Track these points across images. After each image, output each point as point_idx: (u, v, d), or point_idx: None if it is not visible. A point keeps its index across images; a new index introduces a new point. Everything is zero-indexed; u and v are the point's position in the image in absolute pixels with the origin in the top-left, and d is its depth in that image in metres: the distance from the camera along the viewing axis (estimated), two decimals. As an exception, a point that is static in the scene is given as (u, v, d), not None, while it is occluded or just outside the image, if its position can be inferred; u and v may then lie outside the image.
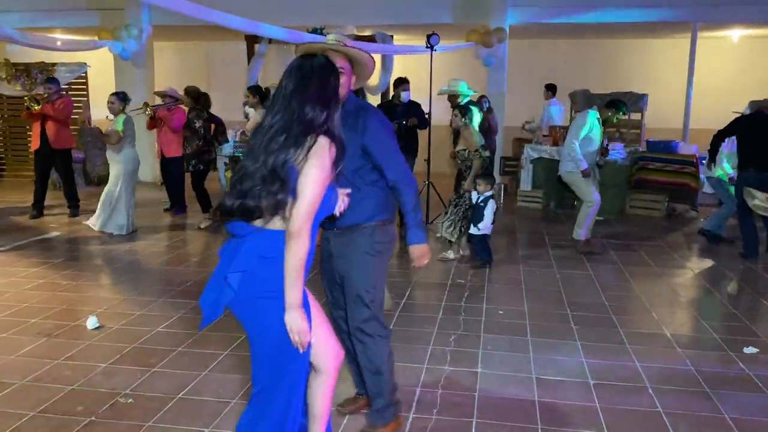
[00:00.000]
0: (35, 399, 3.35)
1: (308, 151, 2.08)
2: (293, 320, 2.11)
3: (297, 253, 2.08)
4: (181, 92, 7.86)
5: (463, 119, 6.24)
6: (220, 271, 2.22)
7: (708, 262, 6.49)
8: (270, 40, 10.09)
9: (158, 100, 8.35)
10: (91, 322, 4.39)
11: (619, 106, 6.54)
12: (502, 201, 9.86)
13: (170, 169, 8.19)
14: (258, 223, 2.15)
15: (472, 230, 6.07)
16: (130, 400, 3.36)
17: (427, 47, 8.07)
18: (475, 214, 6.06)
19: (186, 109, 7.73)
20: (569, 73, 12.49)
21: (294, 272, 2.08)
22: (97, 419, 3.15)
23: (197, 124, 7.52)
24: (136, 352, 3.99)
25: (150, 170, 11.18)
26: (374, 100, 10.64)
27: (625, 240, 7.30)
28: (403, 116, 7.57)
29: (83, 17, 11.65)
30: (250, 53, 10.82)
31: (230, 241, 2.23)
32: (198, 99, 7.61)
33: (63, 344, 4.09)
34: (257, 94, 7.44)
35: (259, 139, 2.15)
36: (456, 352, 4.04)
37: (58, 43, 9.51)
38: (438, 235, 6.50)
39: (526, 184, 9.62)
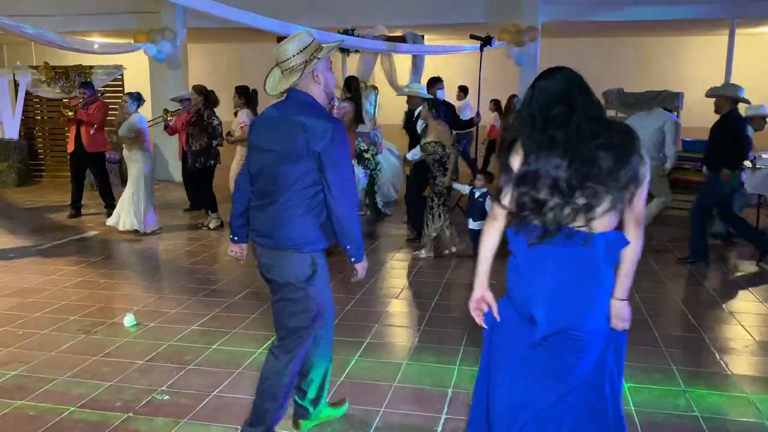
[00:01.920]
0: (75, 394, 3.43)
1: None
2: (625, 309, 2.17)
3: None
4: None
5: (431, 110, 6.27)
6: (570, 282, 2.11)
7: (747, 265, 6.34)
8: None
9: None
10: (128, 320, 4.48)
11: None
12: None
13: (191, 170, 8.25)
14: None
15: (473, 225, 6.11)
16: (166, 397, 3.42)
17: (481, 47, 7.99)
18: (474, 209, 6.14)
19: (199, 106, 7.67)
20: (602, 71, 12.31)
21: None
22: (135, 415, 3.22)
23: (211, 122, 7.49)
24: (171, 349, 4.06)
25: (176, 171, 11.33)
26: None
27: (661, 240, 7.17)
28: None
29: (120, 20, 11.89)
30: (282, 55, 10.90)
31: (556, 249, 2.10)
32: (208, 96, 7.62)
33: (101, 341, 4.19)
34: (242, 94, 7.42)
35: None
36: (488, 353, 4.01)
37: (95, 46, 9.74)
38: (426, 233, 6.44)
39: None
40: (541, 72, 2.23)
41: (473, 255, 6.09)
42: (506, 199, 2.18)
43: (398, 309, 4.90)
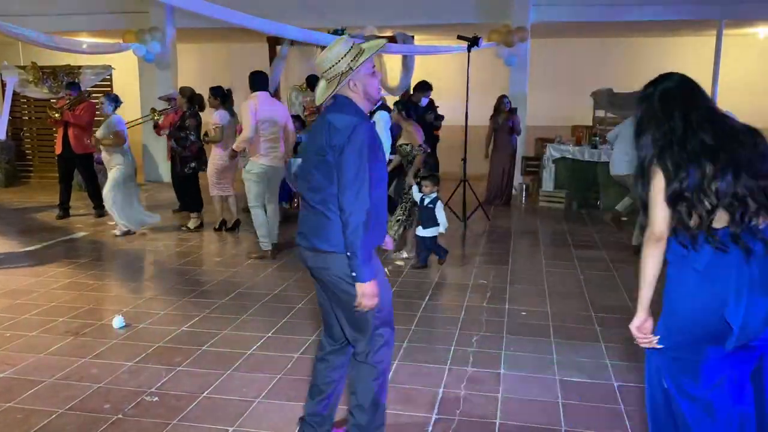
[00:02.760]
0: (63, 396, 3.41)
1: None
2: None
3: None
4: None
5: (401, 113, 6.24)
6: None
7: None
8: (292, 42, 10.14)
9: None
10: (117, 322, 4.46)
11: None
12: (524, 201, 9.82)
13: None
14: None
15: (426, 233, 5.91)
16: (156, 398, 3.40)
17: (469, 48, 8.00)
18: (424, 216, 5.93)
19: (184, 109, 7.63)
20: (592, 72, 12.39)
21: None
22: (124, 417, 3.20)
23: (191, 125, 7.44)
24: (161, 351, 4.04)
25: (165, 172, 11.28)
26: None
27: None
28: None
29: (108, 20, 11.81)
30: (272, 55, 10.88)
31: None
32: (192, 99, 7.58)
33: (90, 343, 4.16)
34: (217, 95, 7.40)
35: None
36: (478, 353, 4.03)
37: (84, 46, 9.65)
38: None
39: (548, 184, 9.55)
40: (653, 81, 2.25)
41: (419, 265, 6.04)
42: (665, 222, 2.13)
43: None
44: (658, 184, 2.11)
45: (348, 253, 2.48)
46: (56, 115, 8.12)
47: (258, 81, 6.32)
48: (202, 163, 7.60)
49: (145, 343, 4.16)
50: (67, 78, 10.44)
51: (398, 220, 6.27)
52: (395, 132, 6.52)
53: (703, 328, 2.16)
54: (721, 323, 2.10)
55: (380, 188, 2.62)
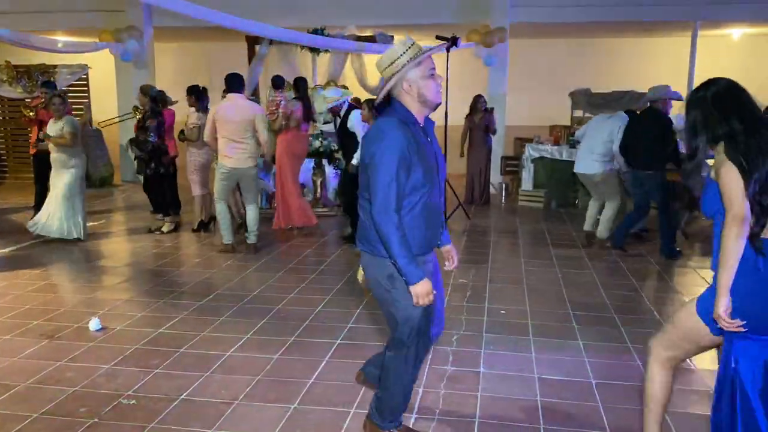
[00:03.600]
0: (38, 401, 3.35)
1: None
2: None
3: None
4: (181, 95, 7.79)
5: (371, 111, 6.24)
6: None
7: (707, 261, 6.48)
8: (271, 41, 10.09)
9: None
10: (94, 324, 4.40)
11: None
12: (503, 201, 9.87)
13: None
14: None
15: None
16: (133, 401, 3.36)
17: (448, 48, 8.00)
18: None
19: (146, 109, 7.48)
20: (570, 72, 12.49)
21: None
22: (100, 421, 3.16)
23: (155, 125, 7.27)
24: (138, 353, 4.00)
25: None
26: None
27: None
28: None
29: (84, 19, 11.66)
30: (251, 54, 10.81)
31: None
32: (156, 99, 7.46)
33: (65, 346, 4.10)
34: (193, 94, 7.34)
35: None
36: (458, 352, 4.04)
37: (59, 44, 9.53)
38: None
39: (527, 183, 9.62)
40: (703, 84, 2.40)
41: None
42: (746, 205, 2.20)
43: (369, 309, 4.90)
44: (732, 172, 2.20)
45: (392, 261, 2.55)
46: (31, 113, 7.99)
47: (233, 82, 6.37)
48: (162, 164, 7.38)
49: (122, 345, 4.11)
50: (42, 77, 10.29)
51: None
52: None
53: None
54: None
55: (418, 194, 2.56)
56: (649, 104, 6.41)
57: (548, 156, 9.38)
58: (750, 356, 2.29)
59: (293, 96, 7.70)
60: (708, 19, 10.85)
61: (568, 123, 11.25)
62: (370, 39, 10.41)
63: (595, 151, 6.60)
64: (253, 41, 10.59)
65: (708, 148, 2.32)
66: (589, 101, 10.12)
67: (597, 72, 12.56)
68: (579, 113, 11.22)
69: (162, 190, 7.53)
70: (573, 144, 9.25)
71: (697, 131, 2.35)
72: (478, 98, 9.46)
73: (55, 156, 6.91)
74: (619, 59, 13.09)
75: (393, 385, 2.82)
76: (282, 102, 7.93)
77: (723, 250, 2.23)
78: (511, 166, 10.71)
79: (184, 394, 3.44)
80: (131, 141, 7.55)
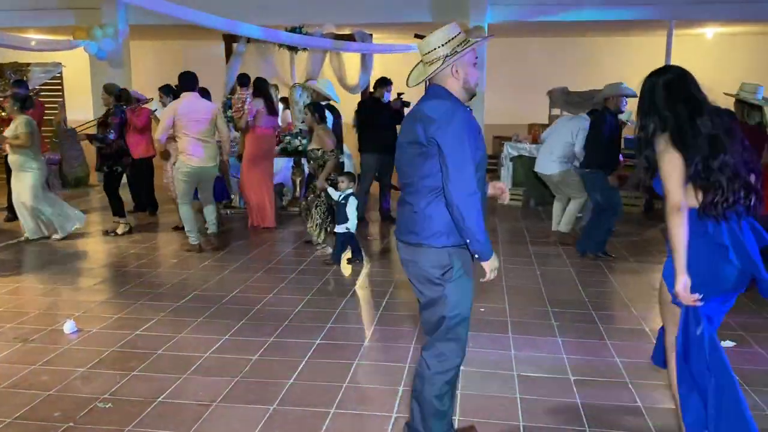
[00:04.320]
0: (12, 405, 3.29)
1: None
2: None
3: None
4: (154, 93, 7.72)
5: (314, 116, 6.21)
6: None
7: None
8: (248, 40, 10.01)
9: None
10: (69, 327, 4.32)
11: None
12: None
13: (140, 169, 8.05)
14: None
15: (338, 229, 5.96)
16: (109, 404, 3.31)
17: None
18: (338, 212, 5.95)
19: (109, 107, 7.38)
20: (547, 70, 12.58)
21: None
22: (75, 425, 3.10)
23: (116, 123, 7.15)
24: (114, 356, 3.94)
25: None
26: (353, 98, 10.58)
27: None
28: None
29: (57, 16, 11.47)
30: (228, 52, 10.73)
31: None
32: (120, 97, 7.36)
33: (40, 349, 4.03)
34: (167, 93, 7.29)
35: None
36: (438, 350, 4.04)
37: (32, 43, 9.37)
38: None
39: (506, 182, 9.66)
40: (654, 72, 2.60)
41: (331, 260, 6.04)
42: (682, 194, 2.43)
43: (349, 308, 4.88)
44: (673, 162, 2.43)
45: (468, 240, 2.49)
46: (2, 113, 7.85)
47: (189, 81, 6.33)
48: (121, 164, 7.27)
49: (98, 348, 4.05)
50: (14, 76, 10.10)
51: (317, 224, 6.27)
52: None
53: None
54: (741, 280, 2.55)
55: (482, 172, 2.56)
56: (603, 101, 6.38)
57: (527, 154, 9.43)
58: (705, 315, 2.51)
59: (250, 92, 7.74)
60: (683, 19, 11.01)
61: (547, 121, 11.33)
62: (349, 37, 10.39)
63: (554, 152, 6.68)
64: (230, 39, 10.52)
65: (657, 130, 2.52)
66: (567, 100, 10.19)
67: (575, 71, 12.68)
68: (557, 112, 11.30)
69: (137, 189, 7.45)
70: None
71: (647, 111, 2.57)
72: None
73: (12, 158, 6.68)
74: (597, 58, 13.23)
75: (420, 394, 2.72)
76: (248, 99, 7.93)
77: (670, 237, 2.46)
78: (490, 164, 10.73)
79: (162, 396, 3.40)
80: (89, 136, 7.48)
